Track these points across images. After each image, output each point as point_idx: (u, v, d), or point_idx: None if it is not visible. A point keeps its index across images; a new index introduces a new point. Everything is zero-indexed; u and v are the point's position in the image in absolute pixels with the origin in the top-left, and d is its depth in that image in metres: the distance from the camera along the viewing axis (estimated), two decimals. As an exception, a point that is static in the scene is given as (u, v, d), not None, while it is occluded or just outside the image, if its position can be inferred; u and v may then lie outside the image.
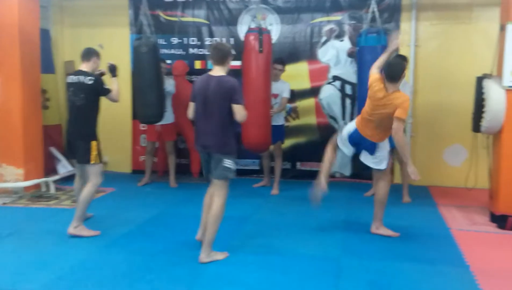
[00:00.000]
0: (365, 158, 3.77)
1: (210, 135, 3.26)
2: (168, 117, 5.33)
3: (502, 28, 4.06)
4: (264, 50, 4.58)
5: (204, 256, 3.27)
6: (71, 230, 3.75)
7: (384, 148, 3.72)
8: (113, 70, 4.04)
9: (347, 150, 3.81)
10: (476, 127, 4.25)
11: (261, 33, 4.63)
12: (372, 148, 3.69)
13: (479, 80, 4.23)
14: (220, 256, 3.34)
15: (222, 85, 3.21)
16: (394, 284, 2.99)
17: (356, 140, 3.73)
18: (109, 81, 3.99)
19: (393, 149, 4.76)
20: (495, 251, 3.60)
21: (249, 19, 5.70)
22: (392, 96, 3.49)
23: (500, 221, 4.06)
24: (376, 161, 3.74)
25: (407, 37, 5.39)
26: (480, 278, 3.07)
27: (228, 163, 3.27)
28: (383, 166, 3.74)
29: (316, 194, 3.80)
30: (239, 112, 3.23)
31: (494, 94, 4.01)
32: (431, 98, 5.43)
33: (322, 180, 3.78)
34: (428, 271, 3.19)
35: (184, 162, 5.91)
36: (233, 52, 5.60)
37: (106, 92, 3.86)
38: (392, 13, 5.44)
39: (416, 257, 3.42)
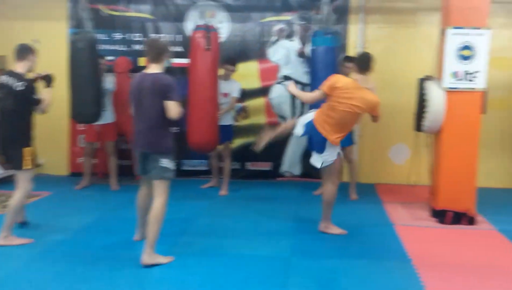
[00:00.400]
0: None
1: (145, 134, 3.32)
2: (108, 116, 5.25)
3: (442, 33, 4.39)
4: (211, 48, 4.64)
5: (146, 258, 3.27)
6: (0, 241, 3.60)
7: (332, 150, 3.86)
8: (48, 80, 3.87)
9: (300, 130, 4.01)
10: (418, 127, 4.55)
11: (209, 30, 4.69)
12: (321, 147, 3.84)
13: (421, 82, 4.53)
14: (163, 259, 3.35)
15: (157, 82, 3.26)
16: (341, 281, 3.15)
17: (309, 131, 3.91)
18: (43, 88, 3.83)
19: (342, 148, 5.03)
20: (435, 245, 3.88)
21: (197, 15, 5.75)
22: (363, 91, 3.72)
23: (440, 215, 4.39)
24: (316, 158, 3.90)
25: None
26: (421, 271, 3.30)
27: (165, 163, 3.31)
28: (317, 164, 3.90)
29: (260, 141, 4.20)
30: (172, 108, 3.24)
31: (435, 95, 4.32)
32: (378, 98, 5.72)
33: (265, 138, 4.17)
34: (373, 267, 3.38)
35: (126, 163, 5.82)
36: (181, 49, 5.73)
37: (35, 102, 3.70)
38: (341, 15, 5.71)
39: (362, 254, 3.62)
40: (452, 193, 4.36)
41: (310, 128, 3.89)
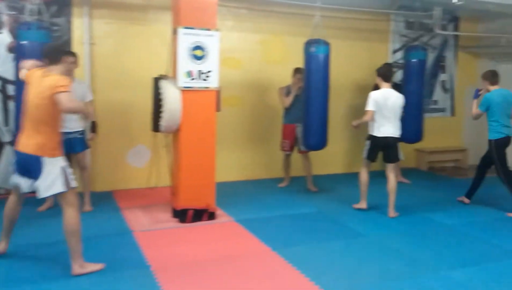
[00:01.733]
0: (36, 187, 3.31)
1: None
2: None
3: (174, 32, 4.58)
4: None
5: None
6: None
7: (52, 163, 3.27)
8: None
9: (26, 183, 3.35)
10: (156, 127, 4.62)
11: None
12: (37, 168, 3.22)
13: (156, 81, 4.63)
14: None
15: None
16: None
17: (23, 166, 3.28)
18: None
19: (74, 154, 4.69)
20: (174, 246, 4.00)
21: None
22: (50, 77, 3.23)
23: (181, 215, 4.57)
24: (46, 183, 3.25)
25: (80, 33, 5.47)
26: (159, 275, 3.34)
27: None
28: (58, 188, 3.26)
29: None
30: None
31: (171, 95, 4.48)
32: (112, 98, 5.65)
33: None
34: (109, 279, 3.26)
35: None
36: None
37: None
38: (62, 7, 5.41)
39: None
40: (193, 191, 4.60)
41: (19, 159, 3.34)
